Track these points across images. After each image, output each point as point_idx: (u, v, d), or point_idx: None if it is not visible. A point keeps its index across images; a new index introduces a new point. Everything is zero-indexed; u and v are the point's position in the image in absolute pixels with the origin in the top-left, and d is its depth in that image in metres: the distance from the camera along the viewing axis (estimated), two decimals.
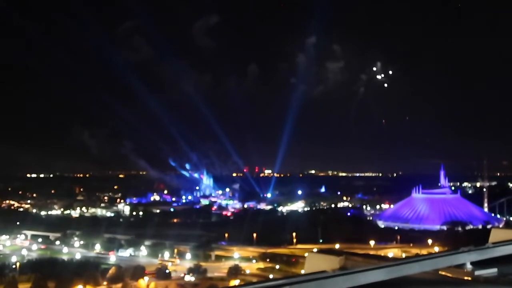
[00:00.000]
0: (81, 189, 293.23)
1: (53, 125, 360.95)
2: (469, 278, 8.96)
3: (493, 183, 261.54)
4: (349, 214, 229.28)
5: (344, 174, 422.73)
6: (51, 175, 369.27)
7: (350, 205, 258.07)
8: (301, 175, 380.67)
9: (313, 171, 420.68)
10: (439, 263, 8.88)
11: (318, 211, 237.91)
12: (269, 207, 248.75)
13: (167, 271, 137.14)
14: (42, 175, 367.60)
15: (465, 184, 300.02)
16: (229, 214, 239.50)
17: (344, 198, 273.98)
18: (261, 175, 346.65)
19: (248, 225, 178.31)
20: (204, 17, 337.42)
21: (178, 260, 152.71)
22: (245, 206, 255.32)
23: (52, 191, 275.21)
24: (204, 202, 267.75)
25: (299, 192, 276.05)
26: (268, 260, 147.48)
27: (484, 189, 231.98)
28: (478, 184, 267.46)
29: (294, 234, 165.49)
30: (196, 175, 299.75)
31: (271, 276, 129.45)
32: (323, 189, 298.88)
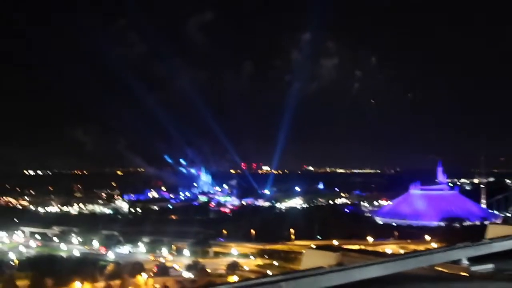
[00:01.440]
0: (79, 186, 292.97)
1: (50, 122, 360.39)
2: (465, 274, 9.01)
3: (491, 180, 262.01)
4: (347, 210, 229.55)
5: (342, 171, 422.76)
6: (49, 172, 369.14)
7: (348, 202, 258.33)
8: (299, 172, 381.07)
9: (311, 168, 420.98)
10: (435, 259, 8.90)
11: (316, 207, 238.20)
12: (267, 204, 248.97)
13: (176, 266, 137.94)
14: (39, 172, 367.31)
15: (463, 180, 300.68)
16: (227, 211, 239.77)
17: (342, 194, 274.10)
18: (259, 171, 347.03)
19: (246, 221, 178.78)
20: (201, 13, 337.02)
21: (171, 256, 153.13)
22: (243, 203, 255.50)
23: (50, 188, 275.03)
24: (202, 199, 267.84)
25: (297, 188, 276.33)
26: (266, 256, 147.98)
27: (482, 186, 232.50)
28: (475, 181, 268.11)
29: (292, 230, 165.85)
30: (194, 171, 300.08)
31: (269, 272, 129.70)
32: (321, 186, 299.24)
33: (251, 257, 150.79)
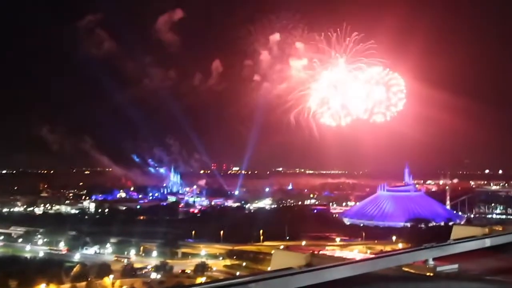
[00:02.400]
0: (45, 186, 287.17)
1: (15, 120, 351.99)
2: (431, 274, 9.20)
3: (455, 181, 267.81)
4: (315, 211, 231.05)
5: (311, 172, 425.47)
6: (14, 171, 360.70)
7: (316, 203, 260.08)
8: (268, 173, 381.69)
9: (280, 169, 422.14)
10: (403, 259, 9.08)
11: (285, 208, 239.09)
12: (236, 205, 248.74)
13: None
14: (4, 171, 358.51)
15: (429, 181, 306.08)
16: (196, 211, 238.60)
17: (311, 195, 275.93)
18: (229, 172, 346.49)
19: (215, 222, 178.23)
20: (169, 12, 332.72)
21: (134, 257, 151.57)
22: (213, 203, 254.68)
23: (15, 188, 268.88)
24: (171, 199, 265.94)
25: (267, 189, 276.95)
26: (235, 257, 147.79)
27: (447, 187, 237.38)
28: (441, 182, 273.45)
29: (261, 231, 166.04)
30: (163, 171, 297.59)
31: (237, 273, 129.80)
32: (290, 187, 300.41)
33: (220, 257, 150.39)
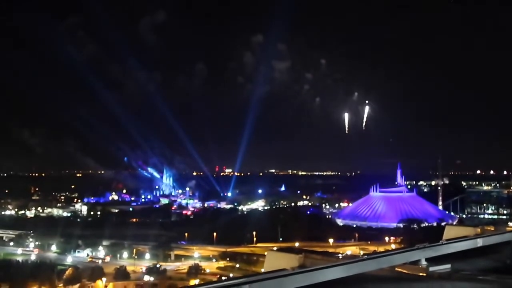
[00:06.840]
0: (37, 189, 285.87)
1: (6, 123, 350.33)
2: (424, 274, 9.22)
3: (447, 182, 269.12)
4: (308, 212, 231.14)
5: (303, 173, 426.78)
6: (5, 175, 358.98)
7: (309, 204, 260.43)
8: (261, 174, 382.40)
9: (273, 170, 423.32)
10: (395, 260, 9.10)
11: (278, 209, 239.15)
12: (229, 206, 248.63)
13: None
14: None
15: (421, 182, 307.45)
16: (189, 213, 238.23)
17: (304, 196, 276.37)
18: (222, 174, 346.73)
19: (208, 224, 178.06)
20: (161, 14, 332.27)
21: (108, 258, 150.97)
22: (206, 205, 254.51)
23: (6, 191, 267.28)
24: (164, 201, 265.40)
25: (260, 191, 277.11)
26: (228, 259, 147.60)
27: (439, 188, 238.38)
28: (433, 183, 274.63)
29: (254, 233, 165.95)
30: (155, 174, 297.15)
31: (231, 275, 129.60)
32: (283, 188, 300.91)
33: (213, 259, 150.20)
